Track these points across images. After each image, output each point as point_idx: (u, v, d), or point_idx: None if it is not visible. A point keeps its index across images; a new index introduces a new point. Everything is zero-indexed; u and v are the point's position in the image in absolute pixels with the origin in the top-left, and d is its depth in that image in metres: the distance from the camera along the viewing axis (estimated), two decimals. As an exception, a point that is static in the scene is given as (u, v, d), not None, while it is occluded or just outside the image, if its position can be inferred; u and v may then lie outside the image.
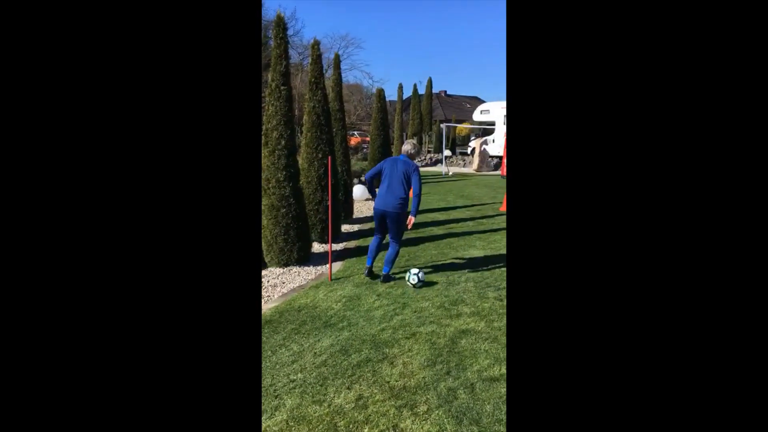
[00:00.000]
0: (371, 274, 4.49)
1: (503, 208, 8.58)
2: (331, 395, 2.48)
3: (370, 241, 4.65)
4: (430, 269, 4.80)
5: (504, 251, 5.50)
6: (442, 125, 18.35)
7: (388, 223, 4.30)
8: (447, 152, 21.97)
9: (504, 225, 7.15)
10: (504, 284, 4.29)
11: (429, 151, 22.74)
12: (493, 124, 19.74)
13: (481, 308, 3.70)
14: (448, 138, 24.85)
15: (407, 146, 4.45)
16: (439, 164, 16.81)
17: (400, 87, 18.66)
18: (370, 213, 8.46)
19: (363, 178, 5.78)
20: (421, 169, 17.96)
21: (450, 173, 16.08)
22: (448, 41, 76.26)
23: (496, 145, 19.10)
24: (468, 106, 35.19)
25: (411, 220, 4.23)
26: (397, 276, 4.55)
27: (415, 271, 4.27)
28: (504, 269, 4.77)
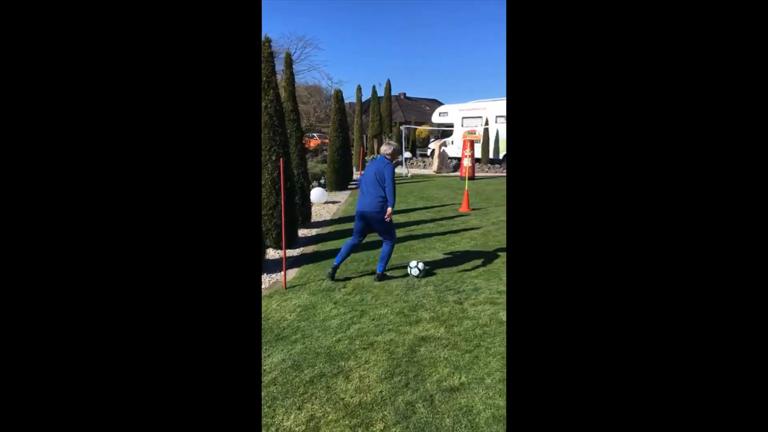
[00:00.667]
0: (333, 275, 4.44)
1: (463, 209, 8.59)
2: (280, 417, 2.28)
3: (346, 241, 4.57)
4: (389, 274, 4.66)
5: (464, 251, 5.45)
6: (402, 127, 18.34)
7: (373, 225, 4.35)
8: (407, 154, 22.04)
9: (463, 226, 7.13)
10: (464, 287, 4.22)
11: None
12: (451, 126, 19.97)
13: (440, 313, 3.59)
14: (408, 140, 24.96)
15: (384, 147, 4.47)
16: (400, 166, 16.78)
17: (359, 89, 18.46)
18: (328, 216, 8.26)
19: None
20: (382, 171, 17.84)
21: (410, 175, 16.08)
22: (408, 44, 77.00)
23: (455, 146, 19.32)
24: (427, 108, 35.53)
25: (389, 211, 4.26)
26: (344, 277, 4.38)
27: (413, 263, 4.52)
28: (464, 272, 4.70)
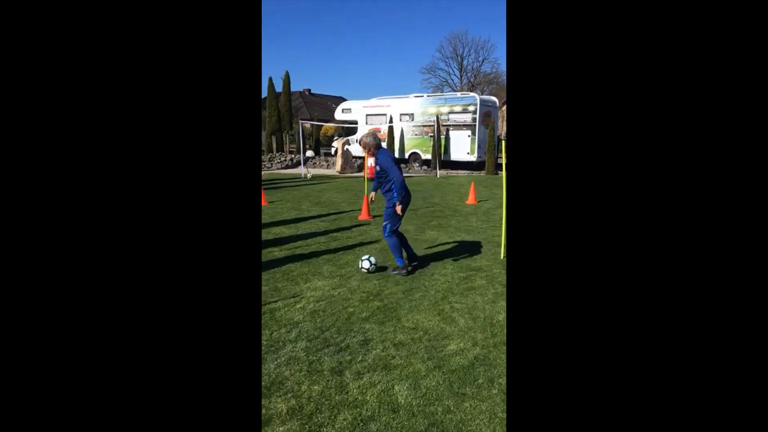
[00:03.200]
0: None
1: (363, 217, 7.47)
2: None
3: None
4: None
5: (355, 279, 4.29)
6: (301, 121, 16.84)
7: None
8: (309, 152, 20.56)
9: (360, 239, 5.99)
10: (349, 339, 3.04)
11: (291, 152, 21.02)
12: (355, 123, 18.92)
13: (306, 398, 2.36)
14: (311, 137, 23.43)
15: (365, 138, 4.64)
16: (299, 166, 15.26)
17: (252, 80, 16.58)
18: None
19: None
20: (280, 172, 16.27)
21: (310, 176, 14.62)
22: (311, 39, 74.86)
23: (359, 145, 18.27)
24: (333, 105, 34.18)
25: (398, 208, 4.36)
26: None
27: (365, 257, 4.50)
28: (352, 313, 3.53)
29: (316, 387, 2.46)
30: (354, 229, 6.68)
